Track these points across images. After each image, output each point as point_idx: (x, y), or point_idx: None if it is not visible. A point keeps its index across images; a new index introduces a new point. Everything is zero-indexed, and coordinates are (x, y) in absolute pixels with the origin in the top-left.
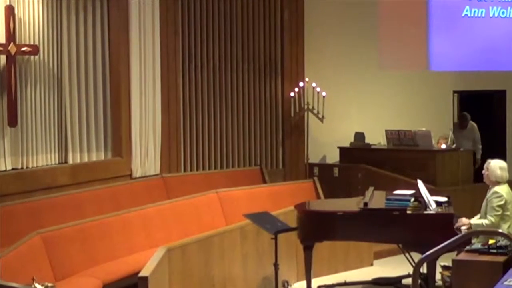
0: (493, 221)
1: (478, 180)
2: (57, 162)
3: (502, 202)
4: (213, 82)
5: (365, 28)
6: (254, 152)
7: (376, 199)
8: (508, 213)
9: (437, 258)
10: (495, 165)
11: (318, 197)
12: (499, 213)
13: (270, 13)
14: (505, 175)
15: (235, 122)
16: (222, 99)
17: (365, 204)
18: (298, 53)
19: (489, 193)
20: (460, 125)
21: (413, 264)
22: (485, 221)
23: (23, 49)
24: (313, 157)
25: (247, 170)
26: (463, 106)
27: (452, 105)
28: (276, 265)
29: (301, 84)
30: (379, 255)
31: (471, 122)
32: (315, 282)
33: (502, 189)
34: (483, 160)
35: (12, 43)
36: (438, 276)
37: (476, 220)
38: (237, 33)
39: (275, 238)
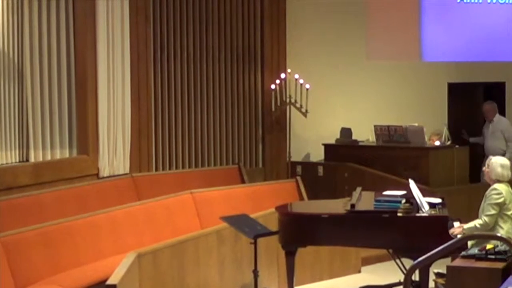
0: (487, 221)
1: (475, 180)
2: (17, 160)
3: (501, 200)
4: (187, 73)
5: (352, 15)
6: (231, 150)
7: (364, 200)
8: (508, 213)
9: (430, 265)
10: (496, 162)
11: (301, 198)
12: (495, 212)
13: None
14: (507, 173)
15: (211, 116)
16: (197, 92)
17: (352, 206)
18: (279, 42)
19: (488, 190)
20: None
21: (404, 271)
22: (478, 222)
23: None
24: (296, 155)
25: (224, 169)
26: (458, 99)
27: (447, 98)
28: (255, 272)
29: (282, 75)
30: (367, 261)
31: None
32: None
33: (502, 187)
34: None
35: None
36: (431, 284)
37: (469, 224)
38: (213, 20)
39: (255, 243)
